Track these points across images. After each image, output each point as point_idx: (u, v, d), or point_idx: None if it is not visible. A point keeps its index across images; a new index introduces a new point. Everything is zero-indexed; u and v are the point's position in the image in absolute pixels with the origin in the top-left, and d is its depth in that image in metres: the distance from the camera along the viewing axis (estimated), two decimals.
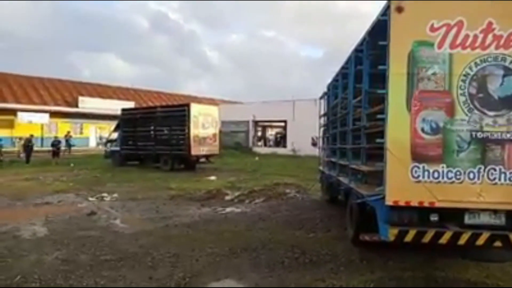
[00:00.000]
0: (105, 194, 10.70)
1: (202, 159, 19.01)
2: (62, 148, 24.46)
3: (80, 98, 37.61)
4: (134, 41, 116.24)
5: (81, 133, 38.21)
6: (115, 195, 10.67)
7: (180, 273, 4.63)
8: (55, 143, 22.07)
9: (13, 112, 31.93)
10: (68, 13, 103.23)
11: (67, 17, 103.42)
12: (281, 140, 35.16)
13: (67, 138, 27.70)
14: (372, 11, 4.75)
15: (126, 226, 7.18)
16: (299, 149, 27.36)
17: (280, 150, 31.34)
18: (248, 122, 34.48)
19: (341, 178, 6.77)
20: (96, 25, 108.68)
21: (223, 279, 4.55)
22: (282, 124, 34.72)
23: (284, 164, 21.50)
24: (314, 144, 11.79)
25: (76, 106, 37.04)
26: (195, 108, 18.31)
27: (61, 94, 37.96)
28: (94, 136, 39.23)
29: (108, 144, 22.24)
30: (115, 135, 21.68)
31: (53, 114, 34.51)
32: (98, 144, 36.12)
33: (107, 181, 13.96)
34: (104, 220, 7.68)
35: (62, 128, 33.67)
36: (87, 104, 37.43)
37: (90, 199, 10.17)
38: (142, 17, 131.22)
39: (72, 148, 27.71)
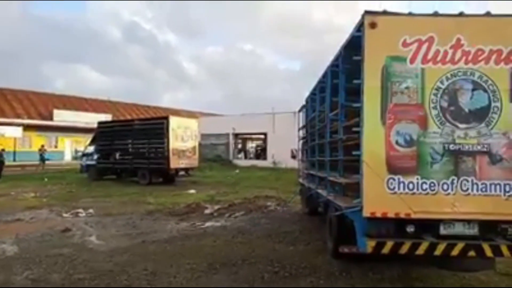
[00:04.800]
0: (80, 210, 10.36)
1: (181, 172, 18.78)
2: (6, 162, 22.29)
3: (55, 111, 36.71)
4: (108, 52, 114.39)
5: (55, 146, 37.17)
6: (91, 210, 10.35)
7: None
8: None
9: None
10: (38, 22, 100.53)
11: (37, 27, 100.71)
12: (261, 153, 35.22)
13: (41, 152, 26.84)
14: (346, 25, 4.85)
15: (101, 243, 6.95)
16: (280, 162, 27.45)
17: (260, 163, 31.34)
18: (228, 134, 34.42)
19: (320, 191, 6.80)
20: (68, 35, 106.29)
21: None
22: (262, 136, 34.85)
23: (265, 177, 21.48)
24: (293, 156, 11.82)
25: (51, 119, 36.09)
26: (174, 121, 18.15)
27: (35, 107, 36.96)
28: (70, 149, 38.23)
29: (84, 158, 21.68)
30: (91, 149, 21.20)
31: (27, 128, 33.50)
32: (74, 157, 35.18)
33: (83, 197, 13.55)
34: (79, 237, 7.42)
35: (36, 141, 32.70)
36: (62, 117, 36.53)
37: (64, 215, 9.83)
38: (115, 27, 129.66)
39: (46, 162, 26.85)
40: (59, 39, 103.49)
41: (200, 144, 22.36)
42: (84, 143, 28.30)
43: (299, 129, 10.73)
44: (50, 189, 15.88)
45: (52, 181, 19.03)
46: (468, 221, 4.08)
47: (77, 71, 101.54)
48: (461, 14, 4.16)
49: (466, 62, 4.09)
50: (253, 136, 38.76)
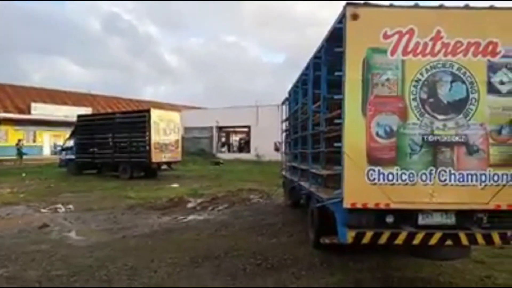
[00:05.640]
0: (59, 205, 10.13)
1: (164, 167, 18.60)
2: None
3: (33, 105, 35.67)
4: (88, 44, 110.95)
5: (34, 141, 36.21)
6: (70, 206, 10.14)
7: (137, 286, 4.44)
8: None
9: None
10: (15, 13, 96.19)
11: (14, 18, 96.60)
12: (245, 146, 35.20)
13: (19, 146, 26.10)
14: (331, 17, 4.84)
15: (81, 238, 6.82)
16: (263, 154, 27.46)
17: (244, 156, 31.32)
18: (211, 128, 34.25)
19: (302, 183, 6.83)
20: (46, 26, 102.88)
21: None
22: (246, 129, 34.79)
23: (248, 170, 21.50)
24: (276, 149, 11.84)
25: (29, 112, 35.09)
26: (155, 114, 17.90)
27: (12, 100, 35.81)
28: (48, 144, 37.31)
29: (63, 152, 21.20)
30: (70, 143, 20.75)
31: (3, 121, 32.49)
32: (53, 152, 34.35)
33: (62, 192, 13.27)
34: (57, 232, 7.25)
35: (13, 136, 31.78)
36: (40, 110, 35.55)
37: (43, 210, 9.60)
38: (94, 18, 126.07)
39: (24, 157, 26.13)
40: (36, 31, 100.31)
41: (183, 138, 22.15)
42: (63, 137, 27.67)
43: (282, 122, 10.73)
44: (28, 184, 15.47)
45: (30, 176, 18.54)
46: (446, 211, 4.15)
47: (56, 63, 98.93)
48: (441, 7, 4.20)
49: (446, 54, 4.13)
50: (237, 129, 38.65)
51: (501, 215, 4.12)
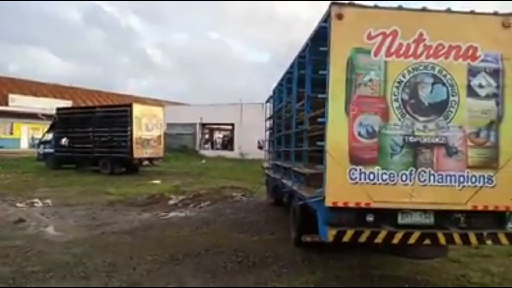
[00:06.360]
0: (36, 200, 9.87)
1: (145, 162, 18.38)
2: None
3: (11, 96, 34.66)
4: (68, 36, 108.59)
5: (11, 133, 35.19)
6: (48, 200, 9.89)
7: (115, 283, 4.36)
8: None
9: None
10: None
11: None
12: (228, 143, 35.11)
13: None
14: (315, 17, 4.85)
15: (58, 234, 6.66)
16: (247, 153, 27.46)
17: (227, 154, 31.24)
18: (195, 124, 34.02)
19: (285, 181, 6.84)
20: (24, 16, 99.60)
21: (162, 287, 4.36)
22: (230, 127, 34.70)
23: (231, 167, 21.45)
24: (260, 147, 11.86)
25: (6, 104, 34.05)
26: (137, 109, 17.66)
27: None
28: (26, 137, 36.31)
29: (42, 146, 20.67)
30: (49, 136, 20.25)
31: None
32: (31, 145, 33.46)
33: (39, 186, 12.95)
34: (34, 228, 7.07)
35: None
36: (18, 102, 34.56)
37: (19, 205, 9.34)
38: (75, 9, 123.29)
39: (0, 149, 25.36)
40: (15, 21, 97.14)
41: (165, 134, 21.90)
42: (42, 130, 26.97)
43: (266, 120, 10.73)
44: (4, 178, 15.03)
45: (6, 169, 17.98)
46: (425, 211, 4.22)
47: (36, 55, 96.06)
48: (424, 9, 4.26)
49: (428, 57, 4.19)
50: (221, 127, 38.52)
51: (477, 215, 4.22)
